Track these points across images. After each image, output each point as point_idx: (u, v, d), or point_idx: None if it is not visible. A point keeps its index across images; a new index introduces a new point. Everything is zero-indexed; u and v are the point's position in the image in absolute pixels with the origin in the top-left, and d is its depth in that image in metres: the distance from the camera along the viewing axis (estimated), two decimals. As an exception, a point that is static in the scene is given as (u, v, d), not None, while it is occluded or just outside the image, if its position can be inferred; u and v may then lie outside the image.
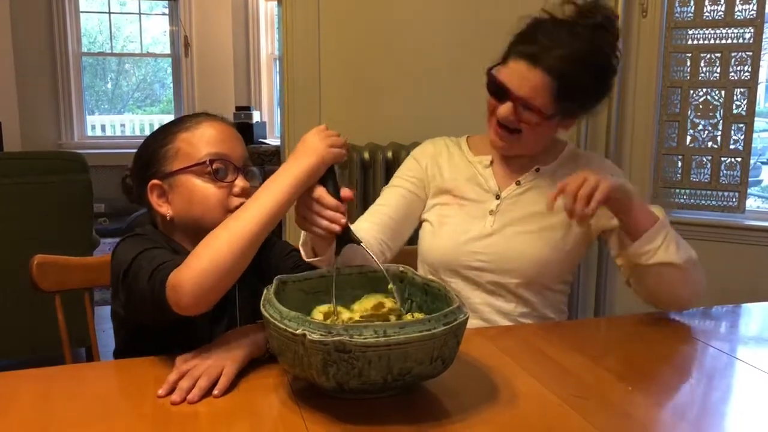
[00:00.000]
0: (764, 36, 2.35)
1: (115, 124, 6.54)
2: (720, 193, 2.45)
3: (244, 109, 4.98)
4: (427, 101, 2.43)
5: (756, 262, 2.36)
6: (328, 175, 0.98)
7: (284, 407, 0.86)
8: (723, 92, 2.40)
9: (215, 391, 0.88)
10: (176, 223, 1.09)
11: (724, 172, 2.43)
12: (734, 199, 2.43)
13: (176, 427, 0.81)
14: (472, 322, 1.30)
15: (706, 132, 2.45)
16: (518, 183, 1.34)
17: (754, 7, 2.32)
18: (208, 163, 1.06)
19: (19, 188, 2.41)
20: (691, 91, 2.45)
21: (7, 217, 2.39)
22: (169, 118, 1.10)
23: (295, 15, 2.33)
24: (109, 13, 6.18)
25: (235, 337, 0.97)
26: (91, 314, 1.34)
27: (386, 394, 0.86)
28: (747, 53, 2.35)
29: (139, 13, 6.25)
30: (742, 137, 2.39)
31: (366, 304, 0.99)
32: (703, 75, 2.43)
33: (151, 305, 0.92)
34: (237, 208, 1.00)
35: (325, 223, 0.96)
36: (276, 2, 5.38)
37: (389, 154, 2.36)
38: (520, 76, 1.22)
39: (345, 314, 0.97)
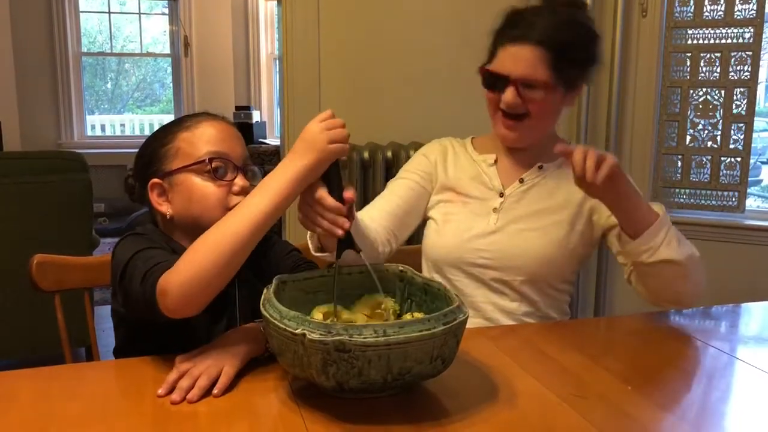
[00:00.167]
0: (764, 36, 2.35)
1: (114, 123, 6.54)
2: (720, 193, 2.46)
3: (243, 109, 4.98)
4: (426, 101, 2.43)
5: (756, 261, 2.36)
6: (331, 172, 0.94)
7: (284, 407, 0.86)
8: (723, 92, 2.40)
9: (215, 391, 0.88)
10: (176, 221, 1.09)
11: (724, 171, 2.44)
12: (734, 199, 2.43)
13: (176, 426, 0.81)
14: (475, 321, 1.30)
15: (706, 132, 2.45)
16: (521, 181, 1.34)
17: (754, 7, 2.32)
18: (207, 161, 1.06)
19: (18, 188, 2.41)
20: (691, 91, 2.45)
21: (7, 216, 2.39)
22: (169, 117, 1.10)
23: (294, 15, 2.33)
24: (109, 12, 6.18)
25: (234, 337, 0.97)
26: (90, 314, 1.34)
27: (386, 393, 0.86)
28: (747, 53, 2.35)
29: (139, 13, 6.25)
30: (742, 137, 2.39)
31: (366, 303, 0.99)
32: (702, 75, 2.43)
33: (143, 307, 0.92)
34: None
35: (327, 225, 0.93)
36: (276, 2, 5.38)
37: (389, 154, 2.36)
38: (512, 58, 1.23)
39: (345, 314, 0.97)
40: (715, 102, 2.42)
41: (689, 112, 2.46)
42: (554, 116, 1.32)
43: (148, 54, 6.57)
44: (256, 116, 5.01)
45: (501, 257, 1.29)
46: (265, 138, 5.08)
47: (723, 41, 2.38)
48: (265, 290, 0.90)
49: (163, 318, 0.89)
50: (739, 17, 2.35)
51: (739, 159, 2.41)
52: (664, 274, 1.17)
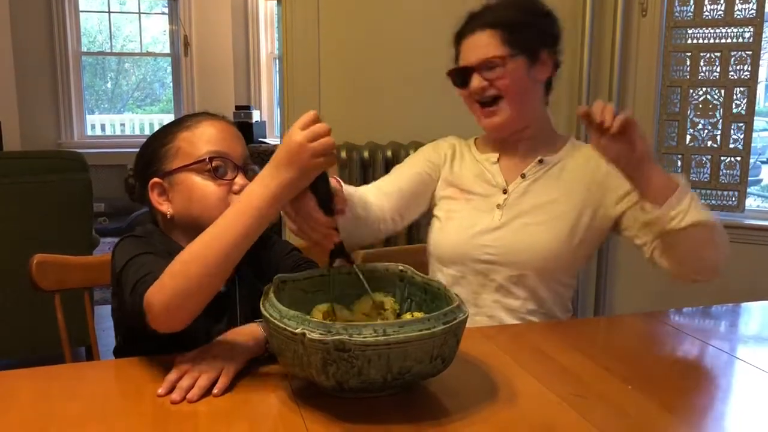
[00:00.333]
0: (764, 35, 2.35)
1: (114, 123, 6.54)
2: (720, 192, 2.45)
3: (243, 109, 4.98)
4: (426, 101, 2.43)
5: (756, 261, 2.36)
6: (318, 182, 0.89)
7: (284, 406, 0.86)
8: (723, 91, 2.40)
9: (215, 391, 0.88)
10: (176, 221, 1.09)
11: (724, 171, 2.44)
12: (734, 198, 2.43)
13: (176, 426, 0.81)
14: (477, 319, 1.30)
15: (706, 131, 2.45)
16: (523, 176, 1.35)
17: (754, 7, 2.32)
18: (207, 160, 1.06)
19: (18, 188, 2.41)
20: (691, 91, 2.45)
21: (7, 216, 2.39)
22: (169, 117, 1.10)
23: (294, 14, 2.33)
24: (109, 12, 6.18)
25: (234, 337, 0.97)
26: (90, 313, 1.34)
27: (386, 393, 0.86)
28: (746, 52, 2.35)
29: (139, 13, 6.24)
30: (742, 136, 2.39)
31: (365, 303, 0.99)
32: (702, 74, 2.43)
33: (133, 317, 0.91)
34: None
35: (317, 237, 0.93)
36: (276, 1, 5.38)
37: (389, 154, 2.36)
38: (467, 49, 1.31)
39: (344, 313, 0.97)
40: (714, 101, 2.42)
41: (689, 112, 2.46)
42: (528, 91, 1.32)
43: (148, 53, 6.57)
44: (256, 116, 5.00)
45: (506, 252, 1.29)
46: (265, 137, 5.08)
47: (723, 41, 2.38)
48: (265, 290, 0.90)
49: (150, 330, 0.89)
50: (739, 17, 2.35)
51: (738, 158, 2.41)
52: (693, 238, 1.14)
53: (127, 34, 6.56)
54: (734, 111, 2.39)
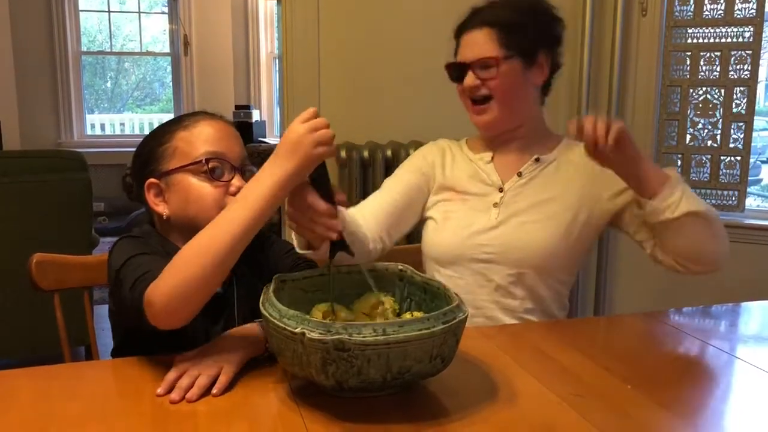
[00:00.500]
0: (764, 35, 2.35)
1: (114, 122, 6.54)
2: (719, 192, 2.45)
3: (243, 108, 4.98)
4: (426, 101, 2.43)
5: (755, 260, 2.36)
6: (318, 174, 0.91)
7: (283, 406, 0.86)
8: (722, 91, 2.40)
9: (214, 390, 0.87)
10: (173, 222, 1.09)
11: (724, 170, 2.43)
12: (734, 198, 2.43)
13: (175, 425, 0.81)
14: (476, 320, 1.30)
15: (706, 131, 2.45)
16: (520, 174, 1.35)
17: (754, 6, 2.32)
18: (204, 162, 1.06)
19: (18, 187, 2.40)
20: (691, 90, 2.45)
21: (7, 216, 2.39)
22: (169, 116, 1.10)
23: (294, 14, 2.33)
24: (109, 11, 6.18)
25: (233, 337, 0.97)
26: (90, 313, 1.34)
27: (385, 392, 0.86)
28: (746, 52, 2.35)
29: (139, 12, 6.24)
30: (742, 136, 2.39)
31: (365, 302, 0.99)
32: (702, 74, 2.43)
33: (133, 315, 0.91)
34: None
35: (320, 230, 0.93)
36: (275, 1, 5.38)
37: (389, 153, 2.36)
38: (466, 45, 1.31)
39: (344, 313, 0.97)
40: (714, 101, 2.42)
41: (689, 111, 2.46)
42: (520, 93, 1.32)
43: (148, 53, 6.57)
44: (255, 115, 5.00)
45: (504, 251, 1.29)
46: (264, 137, 5.08)
47: (723, 40, 2.38)
48: (264, 289, 0.90)
49: (150, 327, 0.89)
50: (738, 16, 2.35)
51: (738, 158, 2.41)
52: (689, 229, 1.17)
53: (126, 33, 6.56)
54: (734, 110, 2.39)
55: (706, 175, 2.46)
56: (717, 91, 2.41)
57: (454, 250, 1.32)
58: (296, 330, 0.78)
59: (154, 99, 6.95)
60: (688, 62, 2.44)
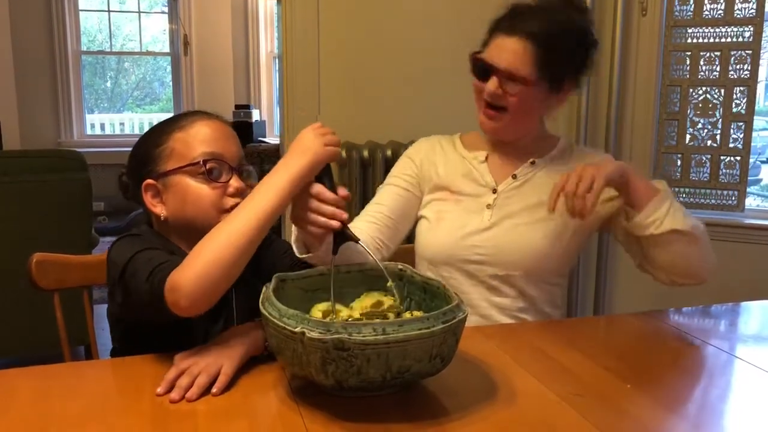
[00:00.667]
0: (764, 35, 2.35)
1: (114, 122, 6.54)
2: (719, 192, 2.45)
3: (243, 108, 4.98)
4: (426, 100, 2.43)
5: (755, 260, 2.36)
6: (324, 173, 0.98)
7: (283, 405, 0.86)
8: (722, 91, 2.40)
9: (214, 390, 0.87)
10: (171, 223, 1.08)
11: (724, 170, 2.43)
12: (733, 198, 2.43)
13: (175, 425, 0.81)
14: (470, 319, 1.30)
15: (706, 130, 2.45)
16: (514, 177, 1.34)
17: (754, 6, 2.32)
18: (201, 163, 1.06)
19: (18, 187, 2.40)
20: (691, 90, 2.45)
21: (7, 215, 2.39)
22: (168, 116, 1.09)
23: (294, 13, 2.33)
24: (109, 11, 6.18)
25: (233, 336, 0.97)
26: (89, 312, 1.34)
27: (385, 392, 0.86)
28: (746, 52, 2.35)
29: (139, 12, 6.24)
30: (742, 136, 2.39)
31: (365, 302, 0.99)
32: (702, 73, 2.43)
33: (149, 306, 0.92)
34: (232, 208, 1.00)
35: (323, 219, 0.95)
36: (275, 1, 5.37)
37: (389, 153, 2.36)
38: (499, 49, 1.25)
39: (344, 312, 0.97)
40: (714, 101, 2.42)
41: (689, 111, 2.46)
42: (534, 114, 1.32)
43: (148, 53, 6.57)
44: (255, 115, 5.00)
45: (496, 253, 1.29)
46: (264, 137, 5.08)
47: (723, 40, 2.38)
48: (264, 288, 0.90)
49: (169, 316, 0.89)
50: (738, 16, 2.35)
51: (738, 158, 2.41)
52: (674, 246, 1.17)
53: (126, 33, 6.56)
54: (734, 110, 2.39)
55: (706, 175, 2.46)
56: (717, 90, 2.41)
57: (446, 251, 1.32)
58: (296, 329, 0.78)
59: (153, 99, 6.95)
60: (688, 62, 2.44)
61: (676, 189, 2.52)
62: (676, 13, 2.43)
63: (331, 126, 1.01)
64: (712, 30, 2.40)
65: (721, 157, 2.43)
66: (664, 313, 1.28)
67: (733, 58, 2.37)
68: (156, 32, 6.46)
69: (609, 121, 2.47)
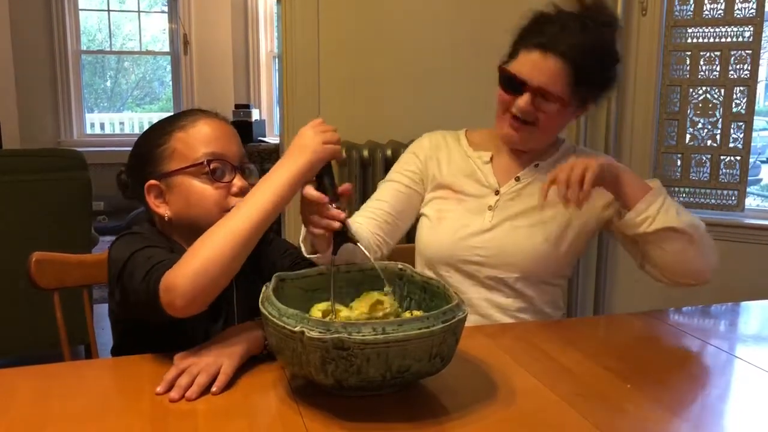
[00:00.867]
0: (764, 34, 2.34)
1: (114, 122, 6.53)
2: (719, 192, 2.45)
3: (243, 107, 4.97)
4: (426, 100, 2.43)
5: (755, 260, 2.36)
6: (324, 171, 0.98)
7: (283, 405, 0.86)
8: (722, 91, 2.40)
9: (213, 389, 0.87)
10: (174, 223, 1.08)
11: (724, 170, 2.43)
12: (733, 198, 2.43)
13: (174, 424, 0.81)
14: (469, 318, 1.30)
15: (706, 130, 2.45)
16: (518, 179, 1.34)
17: (754, 6, 2.32)
18: (205, 163, 1.05)
19: (18, 186, 2.40)
20: (691, 90, 2.45)
21: (7, 215, 2.39)
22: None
23: (294, 13, 2.33)
24: (108, 11, 6.17)
25: (233, 335, 0.97)
26: (89, 312, 1.34)
27: (385, 391, 0.86)
28: (746, 52, 2.35)
29: (138, 11, 6.24)
30: (742, 136, 2.39)
31: (365, 301, 0.99)
32: (702, 73, 2.43)
33: (145, 305, 0.92)
34: None
35: (324, 222, 0.96)
36: (275, 0, 5.37)
37: (389, 152, 2.36)
38: (533, 65, 1.22)
39: (343, 312, 0.97)
40: (714, 101, 2.42)
41: (689, 111, 2.46)
42: (559, 129, 1.34)
43: (148, 52, 6.56)
44: (255, 114, 5.00)
45: (496, 254, 1.29)
46: (264, 136, 5.07)
47: (723, 40, 2.38)
48: (264, 288, 0.90)
49: (164, 316, 0.89)
50: (738, 16, 2.35)
51: (738, 158, 2.41)
52: (670, 245, 1.17)
53: (126, 32, 6.55)
54: (734, 110, 2.39)
55: (706, 174, 2.46)
56: (717, 90, 2.41)
57: (446, 251, 1.32)
58: (295, 329, 0.77)
59: (153, 98, 6.95)
60: (688, 62, 2.44)
61: (676, 189, 2.52)
62: (676, 13, 2.43)
63: (331, 124, 1.01)
64: (712, 30, 2.39)
65: (721, 157, 2.43)
66: (664, 313, 1.28)
67: (733, 58, 2.37)
68: (156, 32, 6.46)
69: (609, 121, 2.47)
